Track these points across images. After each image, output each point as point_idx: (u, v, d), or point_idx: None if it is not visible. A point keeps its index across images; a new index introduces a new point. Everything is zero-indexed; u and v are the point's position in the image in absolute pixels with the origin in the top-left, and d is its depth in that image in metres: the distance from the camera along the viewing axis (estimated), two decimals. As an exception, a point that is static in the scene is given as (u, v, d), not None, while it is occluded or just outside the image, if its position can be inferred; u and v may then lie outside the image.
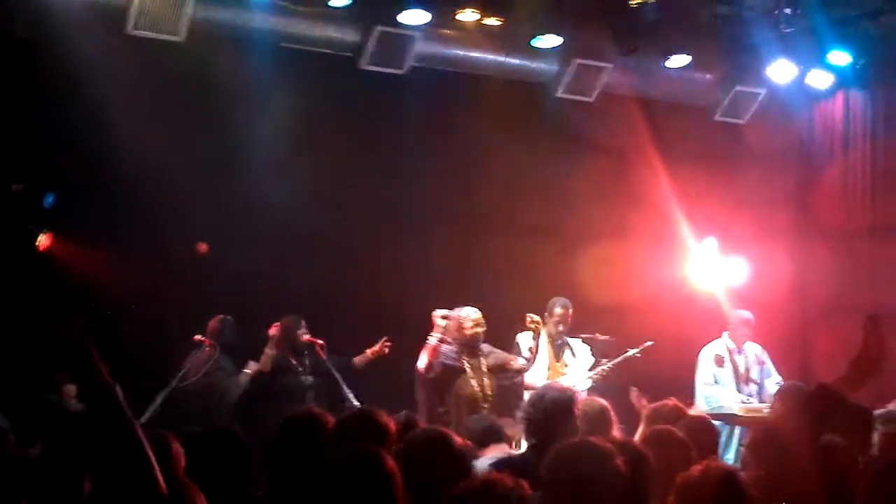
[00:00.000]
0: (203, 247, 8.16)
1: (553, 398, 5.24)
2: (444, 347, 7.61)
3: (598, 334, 8.53)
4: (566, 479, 3.26)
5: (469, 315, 7.66)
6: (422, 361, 7.48)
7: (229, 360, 8.10)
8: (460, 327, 7.62)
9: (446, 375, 7.55)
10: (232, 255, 8.38)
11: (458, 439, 4.04)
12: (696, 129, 10.22)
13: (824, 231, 10.18)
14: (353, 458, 3.37)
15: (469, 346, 7.64)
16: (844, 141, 10.14)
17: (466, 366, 7.60)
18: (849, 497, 3.66)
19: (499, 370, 7.76)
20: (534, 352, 7.83)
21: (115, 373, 7.44)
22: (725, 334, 8.80)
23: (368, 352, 8.25)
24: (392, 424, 4.07)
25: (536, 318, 7.88)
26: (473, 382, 7.55)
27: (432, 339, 7.47)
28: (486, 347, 7.81)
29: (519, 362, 7.83)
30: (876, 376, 3.91)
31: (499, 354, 7.87)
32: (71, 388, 7.23)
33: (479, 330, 7.65)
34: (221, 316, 8.05)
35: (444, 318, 7.48)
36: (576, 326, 8.44)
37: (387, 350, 8.22)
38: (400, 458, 3.84)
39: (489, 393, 7.58)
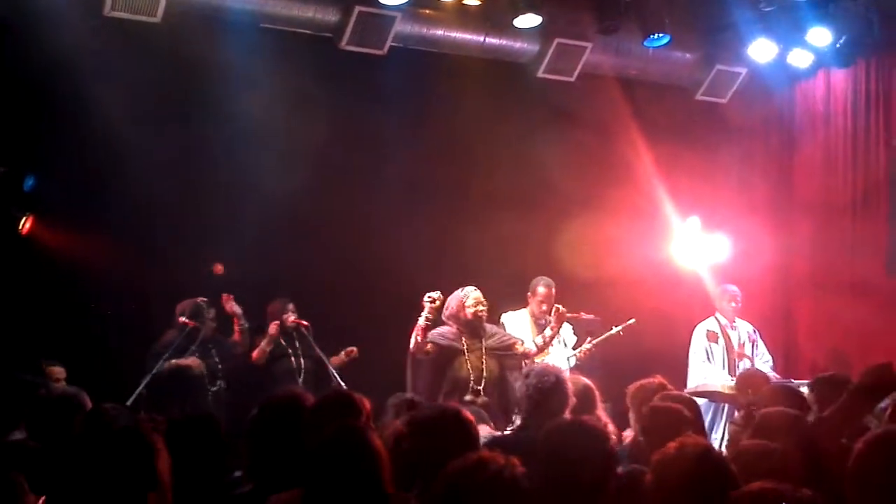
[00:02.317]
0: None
1: (538, 377, 5.25)
2: (443, 328, 7.52)
3: (582, 313, 8.53)
4: (559, 457, 3.27)
5: (469, 294, 7.54)
6: (412, 342, 7.39)
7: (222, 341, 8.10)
8: (461, 307, 7.51)
9: (441, 357, 7.40)
10: (211, 237, 8.34)
11: (467, 415, 4.05)
12: (677, 109, 10.25)
13: (806, 206, 10.22)
14: (337, 434, 3.37)
15: (471, 327, 7.50)
16: (825, 119, 10.17)
17: (465, 347, 7.48)
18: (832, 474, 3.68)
19: (502, 352, 7.59)
20: (548, 338, 7.76)
21: (99, 355, 7.45)
22: (717, 313, 8.88)
23: (341, 356, 8.29)
24: (367, 403, 4.05)
25: (563, 308, 7.83)
26: (469, 364, 7.40)
27: (420, 321, 7.37)
28: (490, 328, 7.69)
29: (526, 346, 7.72)
30: None
31: (505, 337, 7.75)
32: (58, 371, 7.18)
33: (481, 309, 7.51)
34: (198, 298, 8.01)
35: (432, 300, 7.37)
36: (562, 301, 8.40)
37: (352, 356, 8.29)
38: (408, 436, 3.88)
39: (486, 375, 7.41)
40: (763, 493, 2.71)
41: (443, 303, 7.40)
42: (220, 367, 7.97)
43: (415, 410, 4.44)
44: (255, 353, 8.09)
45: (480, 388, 7.35)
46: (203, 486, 3.83)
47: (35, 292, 7.95)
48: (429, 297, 7.29)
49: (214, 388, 7.91)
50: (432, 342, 7.38)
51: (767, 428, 4.36)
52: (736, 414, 6.86)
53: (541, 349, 7.74)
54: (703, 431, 5.01)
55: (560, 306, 7.82)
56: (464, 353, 7.44)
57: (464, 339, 7.48)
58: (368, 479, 3.23)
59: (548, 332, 7.77)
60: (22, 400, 5.28)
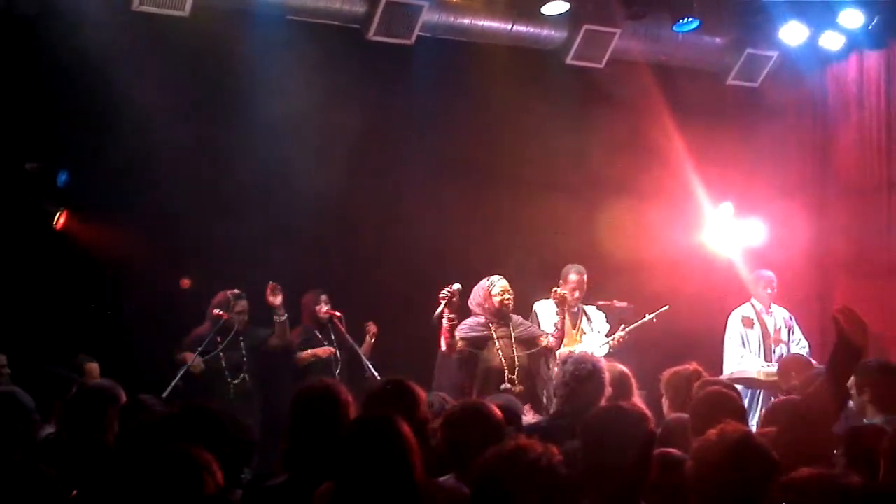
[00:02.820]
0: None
1: (575, 365, 5.24)
2: (471, 320, 7.53)
3: (615, 301, 8.51)
4: (600, 443, 3.25)
5: (495, 283, 7.55)
6: (442, 344, 7.35)
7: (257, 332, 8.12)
8: (488, 296, 7.52)
9: (472, 352, 7.39)
10: (243, 230, 8.37)
11: (496, 410, 4.05)
12: (708, 94, 10.15)
13: (841, 189, 10.11)
14: (365, 423, 3.36)
15: (498, 316, 7.51)
16: (858, 101, 10.05)
17: (494, 335, 7.48)
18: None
19: (529, 345, 7.60)
20: (559, 326, 7.74)
21: (132, 348, 7.51)
22: (752, 299, 8.82)
23: (366, 342, 8.32)
24: (422, 392, 4.05)
25: (562, 291, 7.82)
26: (500, 353, 7.42)
27: (444, 323, 7.29)
28: (517, 318, 7.69)
29: (548, 340, 7.69)
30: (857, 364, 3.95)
31: (531, 329, 7.75)
32: (94, 367, 7.23)
33: (507, 298, 7.52)
34: (228, 291, 8.04)
35: (448, 294, 7.25)
36: (594, 288, 8.39)
37: (374, 334, 8.29)
38: (441, 432, 3.88)
39: (517, 364, 7.41)
40: (812, 480, 2.67)
41: (458, 294, 7.35)
42: (245, 359, 7.96)
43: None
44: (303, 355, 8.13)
45: (514, 376, 7.34)
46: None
47: (69, 287, 8.01)
48: (447, 290, 7.25)
49: (237, 381, 7.91)
50: (462, 339, 7.36)
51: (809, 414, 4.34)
52: (773, 400, 6.82)
53: (558, 340, 7.70)
54: (743, 418, 4.97)
55: (559, 289, 7.80)
56: (494, 342, 7.44)
57: (493, 327, 7.47)
58: (397, 467, 3.23)
59: (555, 319, 7.74)
60: (53, 394, 5.32)
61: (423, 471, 3.36)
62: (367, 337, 8.36)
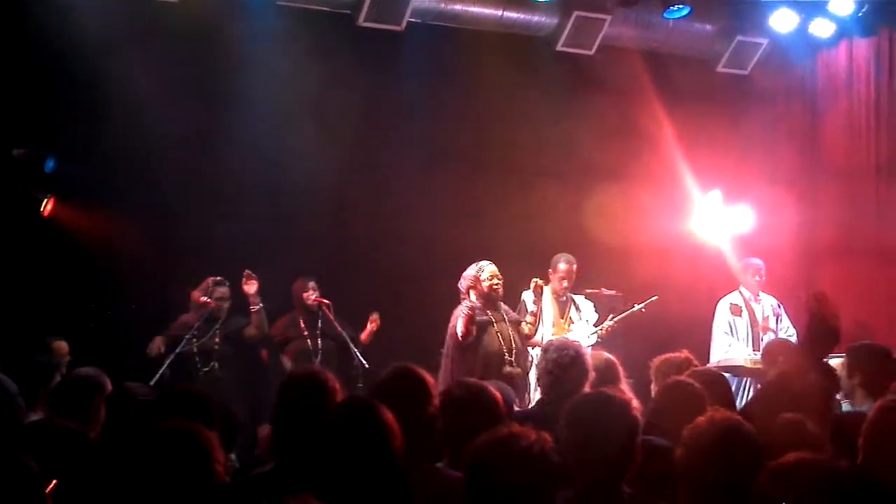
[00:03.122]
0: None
1: (557, 351, 5.24)
2: (468, 303, 7.55)
3: (603, 289, 8.52)
4: (583, 430, 3.26)
5: (484, 269, 7.60)
6: (459, 328, 7.37)
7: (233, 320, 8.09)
8: (477, 281, 7.57)
9: (480, 332, 7.47)
10: (232, 215, 8.37)
11: (496, 392, 4.06)
12: (698, 81, 10.14)
13: (830, 175, 10.12)
14: (346, 409, 3.35)
15: (488, 300, 7.58)
16: (848, 88, 10.05)
17: (491, 319, 7.54)
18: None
19: (516, 328, 7.71)
20: (536, 314, 7.80)
21: (120, 336, 7.49)
22: (741, 287, 8.84)
23: (367, 328, 8.29)
24: (430, 378, 4.02)
25: (540, 281, 7.87)
26: (500, 336, 7.50)
27: (464, 308, 7.37)
28: (502, 305, 7.76)
29: (527, 328, 7.80)
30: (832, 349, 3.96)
31: (513, 313, 7.84)
32: (62, 345, 7.19)
33: (496, 283, 7.59)
34: (212, 278, 8.02)
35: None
36: (584, 275, 8.40)
37: (377, 324, 8.26)
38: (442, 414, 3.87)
39: (514, 346, 7.51)
40: (801, 465, 2.67)
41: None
42: (216, 347, 7.90)
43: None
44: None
45: (513, 359, 7.39)
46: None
47: (56, 273, 7.99)
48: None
49: (206, 369, 7.84)
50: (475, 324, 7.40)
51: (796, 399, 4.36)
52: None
53: (533, 328, 7.82)
54: (732, 406, 4.98)
55: (538, 280, 7.89)
56: (493, 326, 7.50)
57: (487, 311, 7.51)
58: (378, 453, 3.22)
59: (531, 307, 7.83)
60: (38, 381, 5.31)
61: (414, 457, 3.36)
62: (369, 324, 8.31)
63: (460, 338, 7.36)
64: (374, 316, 8.32)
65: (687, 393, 4.46)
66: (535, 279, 7.88)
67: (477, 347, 7.43)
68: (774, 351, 7.08)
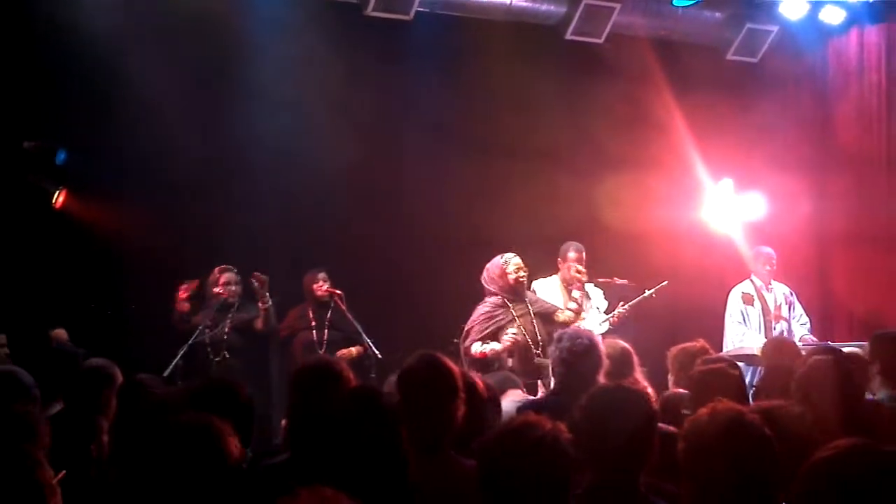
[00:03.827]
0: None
1: (571, 340, 5.23)
2: (487, 304, 7.49)
3: (615, 278, 8.49)
4: (601, 422, 3.25)
5: (510, 261, 7.54)
6: (475, 349, 7.29)
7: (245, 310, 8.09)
8: (503, 274, 7.50)
9: (498, 333, 7.39)
10: (244, 207, 8.39)
11: (479, 381, 4.06)
12: (708, 69, 10.09)
13: (841, 162, 10.11)
14: (351, 398, 3.35)
15: (513, 292, 7.51)
16: (859, 76, 10.02)
17: (512, 313, 7.46)
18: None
19: (546, 319, 7.60)
20: (580, 304, 7.77)
21: (132, 329, 7.50)
22: (752, 275, 8.82)
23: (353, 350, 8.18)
24: (457, 369, 3.99)
25: (581, 269, 7.86)
26: (522, 330, 7.39)
27: (490, 347, 7.27)
28: (531, 295, 7.72)
29: (565, 315, 7.69)
30: None
31: (543, 303, 7.75)
32: (60, 332, 7.20)
33: (522, 275, 7.52)
34: (217, 267, 8.03)
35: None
36: (594, 262, 8.37)
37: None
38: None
39: (540, 339, 7.40)
40: (855, 451, 2.60)
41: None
42: (226, 337, 7.92)
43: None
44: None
45: (539, 351, 7.35)
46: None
47: (68, 266, 8.01)
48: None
49: (218, 359, 7.86)
50: (482, 351, 7.30)
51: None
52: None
53: (577, 314, 7.74)
54: (743, 395, 4.97)
55: (572, 269, 7.87)
56: (515, 321, 7.43)
57: (510, 305, 7.48)
58: (381, 442, 3.21)
59: (576, 293, 7.81)
60: (61, 372, 5.31)
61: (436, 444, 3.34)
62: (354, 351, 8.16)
63: (470, 354, 7.32)
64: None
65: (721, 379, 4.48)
66: (575, 271, 7.90)
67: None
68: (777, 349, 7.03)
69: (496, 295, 7.50)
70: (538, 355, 7.31)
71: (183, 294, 7.85)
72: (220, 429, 3.05)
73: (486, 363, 7.17)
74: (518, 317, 7.46)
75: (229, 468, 2.98)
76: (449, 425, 3.69)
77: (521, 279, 7.52)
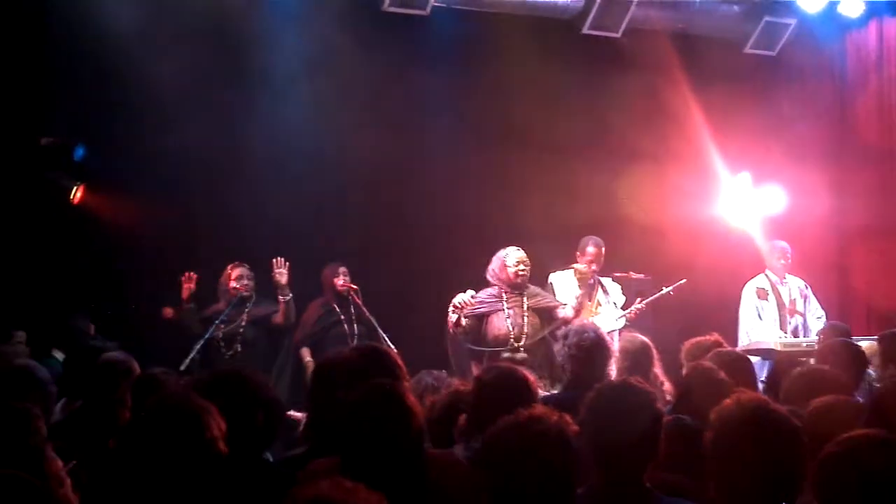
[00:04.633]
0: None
1: (578, 335, 5.23)
2: (484, 291, 7.59)
3: (632, 273, 8.49)
4: (605, 419, 3.24)
5: (511, 255, 7.60)
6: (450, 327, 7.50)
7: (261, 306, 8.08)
8: (503, 267, 7.58)
9: (475, 326, 7.52)
10: (260, 202, 8.40)
11: (529, 375, 4.08)
12: (726, 63, 10.03)
13: (859, 155, 10.04)
14: (368, 394, 3.35)
15: (513, 287, 7.58)
16: (878, 68, 9.96)
17: (504, 304, 7.54)
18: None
19: (543, 314, 7.65)
20: (581, 300, 7.77)
21: (149, 324, 7.52)
22: (767, 270, 8.78)
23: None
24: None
25: (582, 267, 7.86)
26: (509, 322, 7.49)
27: (451, 317, 7.43)
28: (534, 289, 7.75)
29: (566, 311, 7.70)
30: None
31: (546, 298, 7.78)
32: (20, 335, 7.15)
33: (522, 269, 7.57)
34: (234, 263, 8.01)
35: (459, 306, 7.41)
36: (612, 255, 8.36)
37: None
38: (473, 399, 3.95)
39: (528, 331, 7.49)
40: (874, 439, 2.59)
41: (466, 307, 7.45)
42: (241, 331, 7.89)
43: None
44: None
45: (520, 344, 7.38)
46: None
47: (86, 261, 8.05)
48: (458, 302, 7.37)
49: (231, 353, 7.83)
50: (466, 317, 7.43)
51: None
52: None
53: (577, 312, 7.73)
54: (754, 388, 4.95)
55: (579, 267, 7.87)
56: (504, 311, 7.50)
57: (505, 296, 7.54)
58: (402, 438, 3.20)
59: (578, 291, 7.78)
60: (86, 367, 5.33)
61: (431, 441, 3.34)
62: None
63: (450, 334, 7.47)
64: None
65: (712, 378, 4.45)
66: (577, 265, 7.88)
67: (476, 333, 7.51)
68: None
69: (495, 286, 7.58)
70: (517, 349, 7.33)
71: (187, 284, 7.83)
72: (200, 407, 3.03)
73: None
74: (508, 307, 7.51)
75: (208, 446, 2.96)
76: None
77: (520, 273, 7.57)
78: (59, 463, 2.92)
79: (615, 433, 3.19)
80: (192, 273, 7.80)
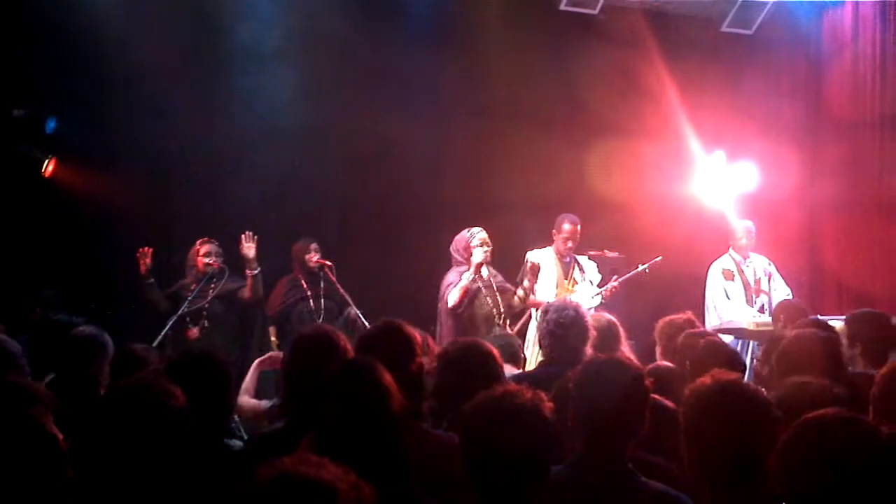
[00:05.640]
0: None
1: (557, 312, 5.23)
2: (459, 269, 7.60)
3: (606, 251, 8.50)
4: (594, 395, 3.24)
5: (475, 235, 7.61)
6: (452, 298, 7.44)
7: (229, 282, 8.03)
8: (467, 247, 7.59)
9: (472, 299, 7.55)
10: (233, 178, 8.37)
11: (493, 349, 4.07)
12: (703, 41, 10.06)
13: (832, 131, 10.11)
14: (343, 369, 3.35)
15: (478, 266, 7.59)
16: (853, 47, 10.00)
17: (479, 284, 7.58)
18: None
19: (503, 294, 7.71)
20: (529, 289, 7.78)
21: (121, 299, 7.45)
22: (731, 250, 8.80)
23: None
24: (417, 335, 4.01)
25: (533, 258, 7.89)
26: (489, 300, 7.56)
27: (464, 279, 7.43)
28: (491, 269, 7.76)
29: (515, 301, 7.74)
30: None
31: (504, 281, 7.82)
32: None
33: (485, 250, 7.58)
34: (202, 239, 7.92)
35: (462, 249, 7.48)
36: (587, 233, 8.37)
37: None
38: (440, 369, 3.94)
39: (502, 310, 7.59)
40: (839, 420, 2.61)
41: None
42: (206, 306, 7.79)
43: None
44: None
45: (500, 321, 7.44)
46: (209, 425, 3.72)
47: (57, 234, 7.97)
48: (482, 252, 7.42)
49: (198, 328, 7.71)
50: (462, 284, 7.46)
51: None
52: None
53: (522, 302, 7.76)
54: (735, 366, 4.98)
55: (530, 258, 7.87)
56: (482, 290, 7.57)
57: (475, 275, 7.56)
58: (375, 413, 3.18)
59: (526, 283, 7.76)
60: (55, 341, 5.29)
61: (408, 417, 3.34)
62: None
63: (451, 307, 7.43)
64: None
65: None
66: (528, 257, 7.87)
67: (466, 312, 7.51)
68: (778, 311, 7.10)
69: (463, 265, 7.59)
70: (500, 325, 7.39)
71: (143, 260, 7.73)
72: (160, 383, 3.05)
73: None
74: (484, 287, 7.59)
75: (173, 416, 2.97)
76: (409, 394, 3.70)
77: (485, 252, 7.57)
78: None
79: (602, 406, 3.20)
80: (146, 248, 7.70)
